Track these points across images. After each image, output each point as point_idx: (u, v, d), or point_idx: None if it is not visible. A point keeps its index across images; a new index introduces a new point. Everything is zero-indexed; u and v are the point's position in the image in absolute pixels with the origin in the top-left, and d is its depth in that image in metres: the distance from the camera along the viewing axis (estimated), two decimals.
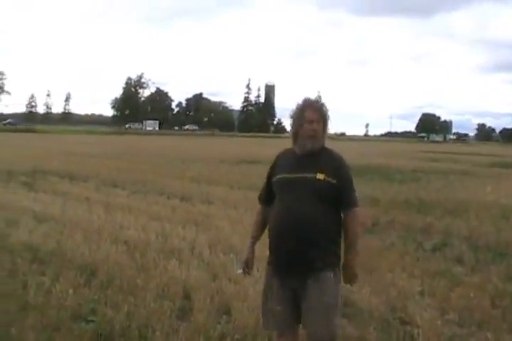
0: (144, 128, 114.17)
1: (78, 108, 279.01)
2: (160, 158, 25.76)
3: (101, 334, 4.54)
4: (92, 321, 4.81)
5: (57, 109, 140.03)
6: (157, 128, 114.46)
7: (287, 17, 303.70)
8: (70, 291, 5.41)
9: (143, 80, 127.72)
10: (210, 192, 13.43)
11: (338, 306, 3.49)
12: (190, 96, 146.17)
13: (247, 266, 3.78)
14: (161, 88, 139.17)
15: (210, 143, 54.84)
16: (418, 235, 9.09)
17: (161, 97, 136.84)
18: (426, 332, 4.76)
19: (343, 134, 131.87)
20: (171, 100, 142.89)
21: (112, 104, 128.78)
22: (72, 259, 6.65)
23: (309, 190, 3.45)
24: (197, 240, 7.90)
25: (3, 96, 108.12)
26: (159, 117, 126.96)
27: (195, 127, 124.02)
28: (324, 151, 3.59)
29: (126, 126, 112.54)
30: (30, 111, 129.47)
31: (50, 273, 6.08)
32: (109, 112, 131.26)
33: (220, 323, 4.85)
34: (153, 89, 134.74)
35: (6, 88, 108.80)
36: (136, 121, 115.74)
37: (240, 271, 3.83)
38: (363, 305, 5.42)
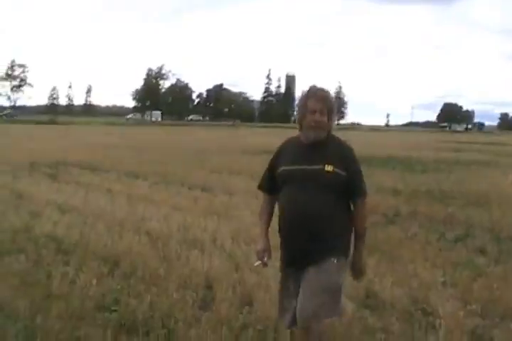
0: (148, 118, 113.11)
1: (100, 100, 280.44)
2: (181, 149, 25.85)
3: (124, 324, 4.58)
4: (116, 311, 4.86)
5: (79, 100, 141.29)
6: (160, 119, 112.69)
7: (308, 6, 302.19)
8: (94, 281, 5.48)
9: (163, 71, 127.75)
10: (232, 182, 13.47)
11: (333, 290, 3.40)
12: (210, 87, 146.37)
13: (265, 257, 3.69)
14: (182, 79, 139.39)
15: (231, 133, 54.81)
16: (440, 226, 9.03)
17: (181, 88, 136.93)
18: (448, 323, 4.73)
19: (357, 124, 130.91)
20: (192, 91, 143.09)
21: (132, 95, 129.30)
22: (95, 250, 6.72)
23: (318, 182, 3.39)
24: (219, 231, 7.94)
25: (26, 88, 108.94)
26: (180, 108, 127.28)
27: (200, 117, 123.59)
28: (332, 141, 3.52)
29: (127, 116, 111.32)
30: (52, 103, 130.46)
31: (73, 264, 6.16)
32: (130, 103, 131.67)
33: (242, 314, 4.86)
34: (173, 80, 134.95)
35: (28, 80, 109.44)
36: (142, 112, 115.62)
37: (258, 262, 3.70)
38: (385, 296, 5.41)
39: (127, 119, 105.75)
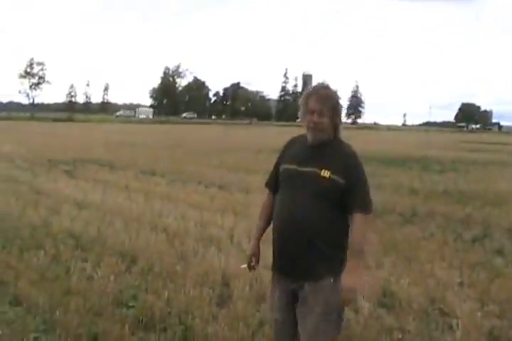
0: (136, 116, 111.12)
1: (117, 97, 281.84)
2: (198, 147, 25.92)
3: (142, 320, 4.62)
4: (133, 307, 4.90)
5: (97, 98, 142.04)
6: (151, 117, 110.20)
7: (324, 4, 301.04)
8: (112, 277, 5.53)
9: (180, 70, 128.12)
10: (248, 180, 13.48)
11: (334, 314, 3.11)
12: (227, 85, 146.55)
13: (252, 261, 3.45)
14: (199, 77, 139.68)
15: (248, 132, 54.81)
16: (458, 225, 8.98)
17: (198, 87, 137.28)
18: (465, 323, 4.72)
19: (374, 123, 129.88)
20: (208, 89, 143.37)
21: (150, 93, 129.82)
22: (112, 246, 6.77)
23: (311, 188, 3.07)
24: (235, 228, 7.96)
25: (44, 85, 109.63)
26: (197, 107, 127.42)
27: (194, 115, 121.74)
28: (336, 145, 3.18)
29: (117, 113, 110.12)
30: (70, 101, 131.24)
31: (91, 260, 6.21)
32: (147, 101, 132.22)
33: (259, 311, 4.88)
34: (190, 79, 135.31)
35: (46, 78, 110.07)
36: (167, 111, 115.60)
37: (244, 266, 3.54)
38: (402, 296, 5.40)
39: (116, 116, 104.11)
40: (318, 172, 3.05)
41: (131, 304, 4.98)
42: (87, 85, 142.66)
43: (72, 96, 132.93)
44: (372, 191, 3.20)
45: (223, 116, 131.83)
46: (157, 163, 17.56)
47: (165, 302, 4.97)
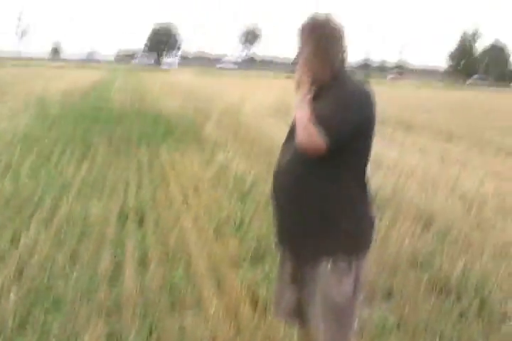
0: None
1: (413, 59, 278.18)
2: (497, 114, 24.39)
3: (436, 286, 4.52)
4: (427, 271, 4.81)
5: (392, 58, 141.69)
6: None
7: None
8: (406, 239, 5.49)
9: (478, 33, 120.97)
10: None
11: (339, 306, 2.51)
12: None
13: None
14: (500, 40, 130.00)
15: None
16: None
17: (496, 51, 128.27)
18: None
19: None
20: (509, 55, 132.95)
21: (448, 56, 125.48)
22: (407, 207, 6.70)
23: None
24: None
25: None
26: (496, 71, 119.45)
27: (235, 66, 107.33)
28: (335, 87, 2.46)
29: (134, 60, 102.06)
30: (366, 62, 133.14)
31: (386, 219, 6.23)
32: (443, 65, 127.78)
33: None
34: (490, 41, 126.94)
35: None
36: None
37: None
38: None
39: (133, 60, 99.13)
40: None
41: (425, 267, 4.90)
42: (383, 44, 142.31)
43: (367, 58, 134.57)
44: None
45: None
46: (453, 126, 16.94)
47: (461, 271, 4.78)
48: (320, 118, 2.33)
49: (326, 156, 2.35)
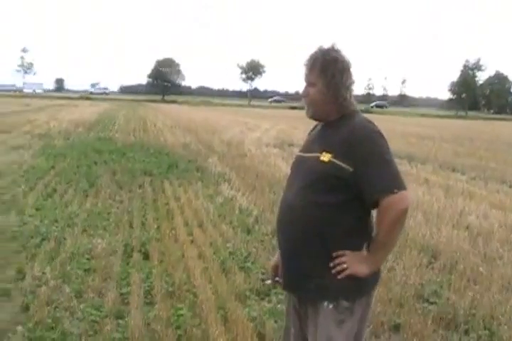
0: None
1: (414, 91, 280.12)
2: (501, 144, 24.42)
3: (443, 318, 4.48)
4: (435, 303, 4.78)
5: (394, 91, 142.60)
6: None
7: None
8: (413, 271, 5.46)
9: (481, 63, 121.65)
10: None
11: None
12: None
13: (275, 275, 2.75)
14: (501, 71, 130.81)
15: None
16: None
17: (500, 81, 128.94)
18: None
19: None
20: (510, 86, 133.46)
21: (449, 87, 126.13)
22: (413, 239, 6.67)
23: (309, 176, 2.44)
24: None
25: None
26: (498, 102, 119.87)
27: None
28: (345, 122, 2.46)
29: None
30: (368, 93, 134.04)
31: (392, 252, 6.19)
32: (444, 95, 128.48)
33: None
34: (491, 73, 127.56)
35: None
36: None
37: (269, 281, 3.08)
38: None
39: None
40: (319, 156, 2.42)
41: (432, 300, 4.87)
42: (385, 79, 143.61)
43: (370, 88, 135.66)
44: None
45: None
46: (456, 157, 16.95)
47: (469, 304, 4.74)
48: (373, 172, 2.33)
49: (347, 201, 2.37)
